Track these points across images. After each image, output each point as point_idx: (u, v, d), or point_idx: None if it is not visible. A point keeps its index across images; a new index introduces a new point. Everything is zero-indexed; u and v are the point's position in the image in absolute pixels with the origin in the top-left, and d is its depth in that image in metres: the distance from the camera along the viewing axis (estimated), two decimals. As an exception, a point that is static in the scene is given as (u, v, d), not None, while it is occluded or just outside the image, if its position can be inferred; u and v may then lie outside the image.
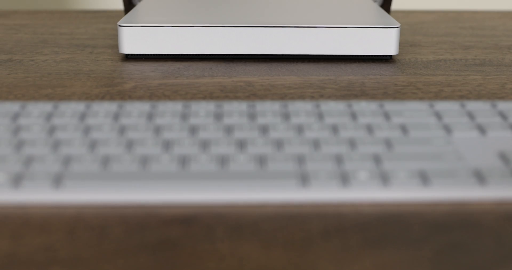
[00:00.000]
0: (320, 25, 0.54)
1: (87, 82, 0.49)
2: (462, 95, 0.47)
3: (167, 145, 0.34)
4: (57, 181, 0.31)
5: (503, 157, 0.34)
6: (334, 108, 0.39)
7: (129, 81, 0.49)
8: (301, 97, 0.46)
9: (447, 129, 0.37)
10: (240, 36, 0.54)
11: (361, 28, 0.54)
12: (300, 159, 0.33)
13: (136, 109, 0.39)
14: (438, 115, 0.39)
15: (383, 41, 0.55)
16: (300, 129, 0.36)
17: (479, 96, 0.46)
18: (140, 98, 0.45)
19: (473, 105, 0.40)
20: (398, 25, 0.55)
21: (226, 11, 0.60)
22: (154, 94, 0.46)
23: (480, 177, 0.32)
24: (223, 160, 0.33)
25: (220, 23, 0.54)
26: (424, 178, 0.32)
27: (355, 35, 0.54)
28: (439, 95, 0.47)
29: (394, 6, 1.00)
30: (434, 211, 0.30)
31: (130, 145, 0.34)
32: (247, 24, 0.54)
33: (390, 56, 0.56)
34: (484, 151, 0.35)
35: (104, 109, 0.39)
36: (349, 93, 0.47)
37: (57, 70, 0.52)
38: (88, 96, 0.46)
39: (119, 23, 0.55)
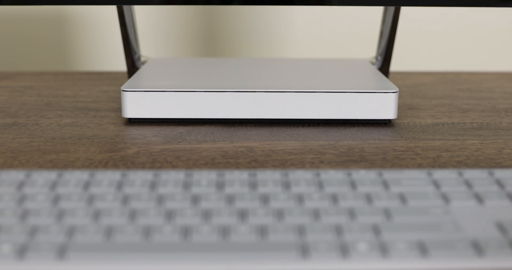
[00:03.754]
0: (319, 90, 0.55)
1: (91, 147, 0.50)
2: (460, 161, 0.47)
3: (170, 215, 0.35)
4: (61, 252, 0.32)
5: (500, 227, 0.34)
6: (333, 176, 0.40)
7: (131, 146, 0.50)
8: (301, 163, 0.47)
9: (445, 198, 0.37)
10: (241, 100, 0.55)
11: (360, 93, 0.55)
12: (301, 230, 0.34)
13: (139, 178, 0.39)
14: (436, 184, 0.39)
15: (382, 105, 0.56)
16: (300, 198, 0.37)
17: (477, 162, 0.47)
18: (142, 164, 0.46)
19: (471, 174, 0.41)
20: (397, 90, 0.56)
21: (227, 76, 0.61)
22: (156, 160, 0.47)
23: (478, 248, 0.32)
24: (224, 231, 0.33)
25: (221, 88, 0.56)
26: (422, 250, 0.32)
27: (354, 99, 0.55)
28: (437, 161, 0.47)
29: (393, 67, 1.01)
30: (433, 283, 0.31)
31: (133, 215, 0.35)
32: (248, 89, 0.55)
33: (389, 120, 0.57)
34: (481, 221, 0.35)
35: (107, 178, 0.39)
36: (348, 159, 0.47)
37: (61, 135, 0.53)
38: (91, 162, 0.47)
39: (122, 88, 0.56)
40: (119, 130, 0.55)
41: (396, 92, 0.55)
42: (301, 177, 0.40)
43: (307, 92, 0.55)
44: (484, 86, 0.74)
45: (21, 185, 0.39)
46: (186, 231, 0.33)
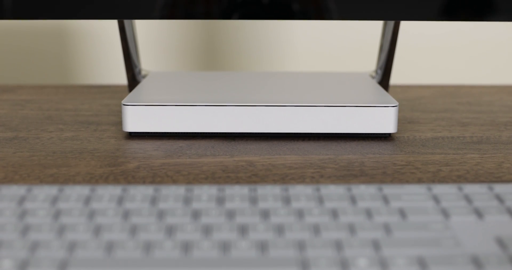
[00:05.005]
0: (319, 104, 0.55)
1: (91, 161, 0.50)
2: (460, 175, 0.47)
3: (170, 231, 0.35)
4: (62, 268, 0.32)
5: (500, 242, 0.35)
6: (334, 191, 0.40)
7: (132, 160, 0.50)
8: (302, 177, 0.47)
9: (445, 213, 0.38)
10: (241, 114, 0.55)
11: (360, 107, 0.55)
12: (301, 245, 0.34)
13: (140, 193, 0.39)
14: (436, 199, 0.39)
15: (382, 119, 0.56)
16: (300, 214, 0.37)
17: (476, 176, 0.47)
18: (143, 178, 0.46)
19: (470, 189, 0.41)
20: (396, 104, 0.56)
21: (228, 90, 0.61)
22: (157, 174, 0.47)
23: (477, 263, 0.32)
24: (224, 246, 0.33)
25: (222, 102, 0.56)
26: (422, 265, 0.32)
27: (354, 113, 0.56)
28: (437, 175, 0.47)
29: (393, 80, 1.01)
30: (433, 299, 0.31)
31: (133, 230, 0.35)
32: (248, 103, 0.55)
33: (389, 134, 0.57)
34: (481, 236, 0.35)
35: (108, 193, 0.39)
36: (348, 174, 0.48)
37: (61, 149, 0.53)
38: (92, 176, 0.47)
39: (123, 102, 0.56)
40: (120, 144, 0.55)
41: (396, 106, 0.56)
42: (301, 192, 0.40)
43: (307, 106, 0.55)
44: (484, 100, 0.74)
45: (22, 200, 0.39)
46: (186, 247, 0.33)
